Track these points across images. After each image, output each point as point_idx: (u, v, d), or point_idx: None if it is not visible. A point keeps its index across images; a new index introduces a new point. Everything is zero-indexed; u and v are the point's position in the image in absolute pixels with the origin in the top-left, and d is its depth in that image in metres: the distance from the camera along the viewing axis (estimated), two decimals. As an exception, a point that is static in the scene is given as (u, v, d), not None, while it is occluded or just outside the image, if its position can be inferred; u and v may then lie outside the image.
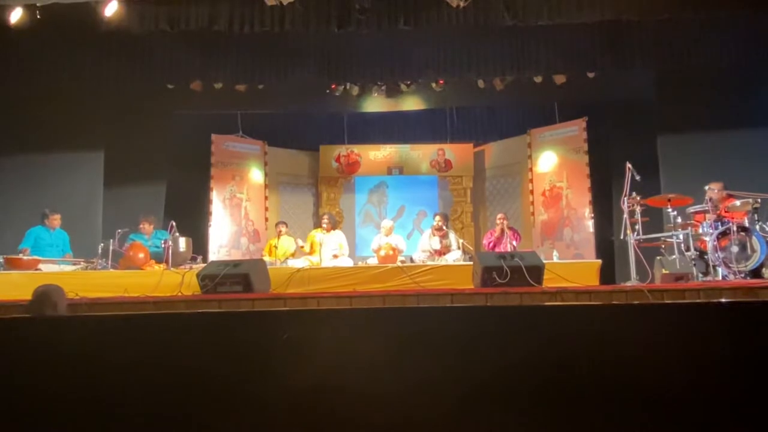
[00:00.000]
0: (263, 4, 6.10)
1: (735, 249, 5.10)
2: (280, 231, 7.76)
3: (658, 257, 5.71)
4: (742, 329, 1.47)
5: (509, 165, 9.58)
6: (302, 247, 7.52)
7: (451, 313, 1.69)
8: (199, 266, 5.89)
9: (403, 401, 1.50)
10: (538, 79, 8.03)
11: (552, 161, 8.91)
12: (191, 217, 8.21)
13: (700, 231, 5.45)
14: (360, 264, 6.87)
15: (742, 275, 5.05)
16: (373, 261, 6.99)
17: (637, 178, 5.59)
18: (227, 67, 7.38)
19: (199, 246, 7.70)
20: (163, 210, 7.91)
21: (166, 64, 7.27)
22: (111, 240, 6.27)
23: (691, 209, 5.69)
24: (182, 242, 6.47)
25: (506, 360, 1.51)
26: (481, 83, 8.41)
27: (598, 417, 1.46)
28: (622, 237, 5.69)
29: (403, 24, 6.28)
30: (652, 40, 6.92)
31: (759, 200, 5.36)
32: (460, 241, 7.44)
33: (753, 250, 5.09)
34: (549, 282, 4.98)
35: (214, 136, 8.89)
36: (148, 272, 6.03)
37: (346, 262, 7.12)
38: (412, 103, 9.09)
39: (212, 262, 6.35)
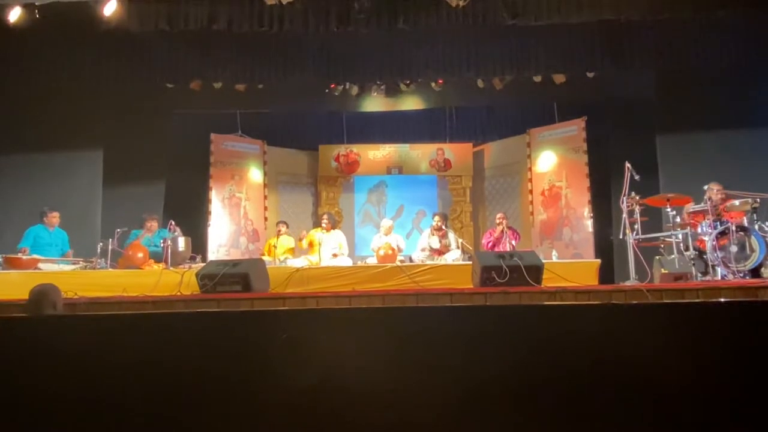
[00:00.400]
0: (263, 4, 6.09)
1: (734, 249, 5.10)
2: (280, 231, 7.77)
3: (657, 257, 5.71)
4: (741, 329, 1.48)
5: (508, 165, 9.58)
6: (300, 241, 7.53)
7: (451, 313, 1.69)
8: (198, 266, 5.88)
9: (402, 401, 1.50)
10: (537, 79, 8.03)
11: (551, 161, 8.92)
12: (190, 217, 8.21)
13: (699, 231, 5.46)
14: (359, 263, 6.87)
15: (741, 275, 5.05)
16: (372, 260, 6.99)
17: (636, 177, 5.60)
18: (227, 66, 7.37)
19: (198, 245, 7.70)
20: (162, 209, 7.91)
21: (166, 63, 7.27)
22: (110, 239, 6.26)
23: (690, 209, 5.69)
24: (181, 242, 6.47)
25: (505, 359, 1.51)
26: (480, 83, 8.42)
27: (597, 416, 1.46)
28: (621, 237, 5.71)
29: (402, 23, 6.28)
30: (652, 40, 6.93)
31: (758, 200, 5.36)
32: (460, 240, 7.44)
33: (752, 250, 5.10)
34: (548, 281, 4.98)
35: (213, 136, 8.89)
36: (147, 272, 6.02)
37: (346, 261, 7.12)
38: (411, 103, 9.09)
39: (211, 261, 6.35)
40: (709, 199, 5.47)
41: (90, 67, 7.13)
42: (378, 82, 8.58)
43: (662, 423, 1.44)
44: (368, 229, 9.54)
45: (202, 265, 5.82)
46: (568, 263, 6.48)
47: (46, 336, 1.66)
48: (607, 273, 6.86)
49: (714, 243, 5.16)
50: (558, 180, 8.81)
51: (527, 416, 1.48)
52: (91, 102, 7.57)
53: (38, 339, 1.65)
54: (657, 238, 5.83)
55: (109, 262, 6.22)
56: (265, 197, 9.35)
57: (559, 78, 8.04)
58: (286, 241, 7.69)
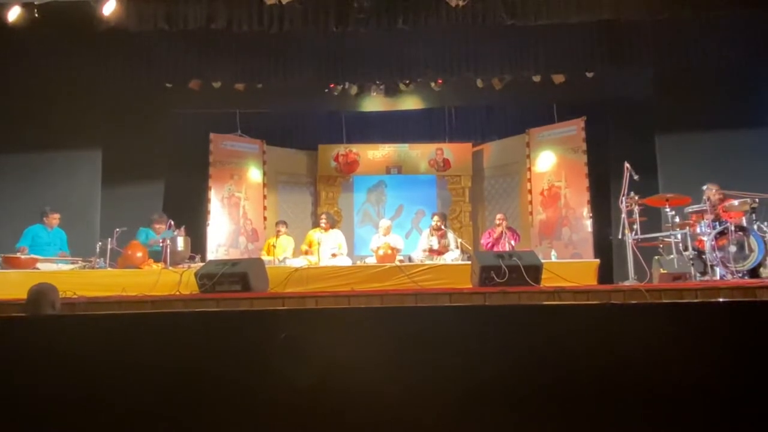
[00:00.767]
0: (262, 3, 6.09)
1: (733, 249, 5.11)
2: (279, 230, 7.76)
3: (656, 257, 5.72)
4: (739, 329, 1.48)
5: (508, 164, 9.58)
6: (304, 253, 7.52)
7: (450, 313, 1.69)
8: (198, 265, 5.88)
9: (401, 400, 1.50)
10: (536, 79, 8.04)
11: (550, 161, 8.92)
12: (189, 216, 8.18)
13: (698, 231, 5.46)
14: (358, 263, 6.86)
15: (740, 275, 5.06)
16: (371, 260, 6.99)
17: (636, 177, 5.60)
18: (226, 66, 7.37)
19: (198, 245, 7.69)
20: (161, 209, 7.90)
21: (165, 62, 7.27)
22: (109, 239, 6.26)
23: (689, 209, 5.70)
24: (180, 241, 6.47)
25: (504, 359, 1.51)
26: (479, 83, 8.42)
27: (596, 416, 1.46)
28: (620, 236, 5.71)
29: (402, 23, 6.28)
30: (651, 40, 6.93)
31: (757, 200, 5.37)
32: (459, 240, 7.44)
33: (751, 250, 5.11)
34: (547, 281, 4.98)
35: (212, 135, 8.88)
36: (146, 271, 6.02)
37: (345, 261, 7.12)
38: (410, 103, 9.09)
39: (210, 261, 6.35)
40: (708, 199, 5.48)
41: (89, 66, 7.13)
42: (377, 82, 8.58)
43: (661, 423, 1.44)
44: (367, 228, 9.53)
45: (201, 264, 5.81)
46: (567, 263, 6.49)
47: (44, 336, 1.66)
48: (606, 273, 6.86)
49: (713, 243, 5.17)
50: (557, 180, 8.81)
51: (526, 416, 1.48)
52: (90, 101, 7.56)
53: (37, 339, 1.65)
54: (656, 238, 5.84)
55: (108, 261, 6.21)
56: (265, 197, 9.34)
57: (559, 78, 8.04)
58: (285, 242, 7.69)
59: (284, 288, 5.53)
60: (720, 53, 6.85)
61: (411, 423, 1.49)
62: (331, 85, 8.64)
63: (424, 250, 7.32)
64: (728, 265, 5.07)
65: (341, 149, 9.87)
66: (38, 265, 5.95)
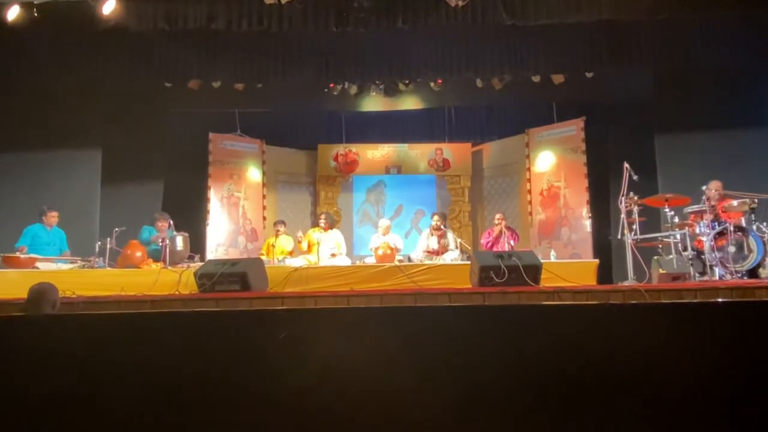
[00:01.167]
0: (261, 3, 6.09)
1: (732, 249, 5.11)
2: (278, 230, 7.75)
3: (656, 257, 5.72)
4: (738, 329, 1.48)
5: (507, 164, 9.59)
6: (300, 243, 7.52)
7: (449, 313, 1.69)
8: (197, 265, 5.88)
9: (400, 400, 1.50)
10: (536, 79, 8.04)
11: (550, 161, 8.92)
12: (189, 216, 8.20)
13: (697, 231, 5.47)
14: (358, 263, 6.86)
15: (739, 275, 5.06)
16: (370, 260, 6.99)
17: (635, 177, 5.60)
18: (225, 65, 7.37)
19: (197, 245, 7.68)
20: (160, 208, 7.89)
21: (164, 62, 7.26)
22: (108, 238, 6.26)
23: (689, 209, 5.70)
24: (180, 241, 6.47)
25: (504, 359, 1.51)
26: (479, 83, 8.42)
27: (595, 416, 1.46)
28: (619, 237, 5.71)
29: (401, 23, 6.28)
30: (651, 40, 6.93)
31: (756, 200, 5.37)
32: (458, 240, 7.44)
33: (750, 250, 5.11)
34: (546, 281, 4.98)
35: (211, 135, 8.88)
36: (146, 271, 6.02)
37: (344, 261, 7.12)
38: (410, 103, 9.09)
39: (210, 260, 6.34)
40: (708, 199, 5.48)
41: (88, 66, 7.12)
42: (377, 82, 8.58)
43: (661, 423, 1.44)
44: (367, 228, 9.53)
45: (201, 264, 5.81)
46: (567, 263, 6.49)
47: (43, 335, 1.66)
48: (605, 273, 6.86)
49: (712, 243, 5.17)
50: (556, 180, 8.82)
51: (525, 416, 1.48)
52: (90, 101, 7.55)
53: (36, 338, 1.65)
54: (655, 239, 5.84)
55: (107, 261, 6.21)
56: (264, 197, 9.34)
57: (558, 78, 8.04)
58: (284, 241, 7.68)
59: (283, 288, 5.53)
60: (720, 53, 6.85)
61: (411, 423, 1.49)
62: (331, 85, 8.64)
63: (424, 250, 7.32)
64: (727, 265, 5.08)
65: (341, 149, 9.87)
66: (37, 264, 5.95)
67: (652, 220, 5.99)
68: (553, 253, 7.04)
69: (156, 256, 6.41)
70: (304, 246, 7.49)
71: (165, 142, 8.37)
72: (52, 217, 6.52)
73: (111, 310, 4.36)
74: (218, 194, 8.84)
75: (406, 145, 9.95)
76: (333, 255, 7.25)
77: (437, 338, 1.55)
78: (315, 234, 7.44)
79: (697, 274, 5.33)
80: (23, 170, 7.34)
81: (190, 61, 7.29)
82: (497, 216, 7.55)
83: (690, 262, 5.33)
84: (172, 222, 6.66)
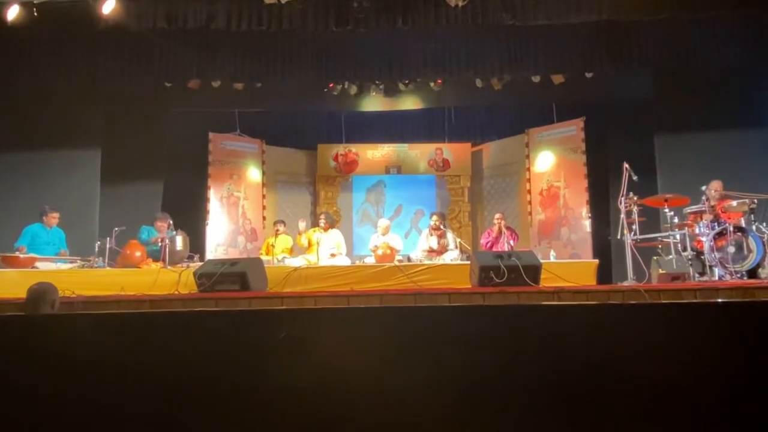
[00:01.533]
0: (261, 3, 6.09)
1: (731, 249, 5.11)
2: (278, 230, 7.75)
3: (655, 257, 5.72)
4: (738, 329, 1.48)
5: (507, 164, 9.59)
6: (300, 235, 7.52)
7: (449, 313, 1.69)
8: (196, 265, 5.87)
9: (400, 400, 1.50)
10: (536, 79, 8.04)
11: (549, 161, 8.92)
12: (188, 216, 8.20)
13: (697, 231, 5.47)
14: (357, 263, 6.86)
15: (739, 275, 5.06)
16: (370, 260, 6.99)
17: (635, 178, 5.60)
18: (225, 65, 7.37)
19: (197, 244, 7.69)
20: (160, 208, 7.89)
21: (164, 62, 7.26)
22: (108, 238, 6.25)
23: (688, 209, 5.70)
24: (179, 240, 6.47)
25: (503, 359, 1.51)
26: (479, 83, 8.42)
27: (594, 416, 1.46)
28: (619, 237, 5.71)
29: (401, 23, 6.28)
30: (651, 40, 6.93)
31: (755, 201, 5.38)
32: (458, 240, 7.44)
33: (749, 251, 5.11)
34: (546, 281, 4.98)
35: (211, 135, 8.88)
36: (145, 270, 6.02)
37: (344, 261, 7.12)
38: (410, 103, 9.09)
39: (209, 260, 6.34)
40: (707, 199, 5.48)
41: (88, 65, 7.12)
42: (377, 82, 8.58)
43: (660, 423, 1.44)
44: (366, 228, 9.53)
45: (200, 264, 5.81)
46: (566, 263, 6.49)
47: (42, 335, 1.66)
48: (605, 273, 6.86)
49: (712, 243, 5.17)
50: (556, 180, 8.82)
51: (524, 416, 1.48)
52: (89, 101, 7.56)
53: (35, 338, 1.65)
54: (655, 239, 5.84)
55: (106, 260, 6.21)
56: (264, 196, 9.35)
57: (558, 78, 8.05)
58: (284, 241, 7.69)
59: (283, 288, 5.53)
60: (720, 53, 6.85)
61: (410, 423, 1.49)
62: (331, 85, 8.64)
63: (423, 250, 7.32)
64: (727, 265, 5.08)
65: (340, 149, 9.87)
66: (37, 264, 5.95)
67: (651, 220, 5.99)
68: (552, 253, 7.04)
69: (155, 255, 6.41)
70: (304, 241, 7.50)
71: (165, 141, 8.37)
72: (53, 217, 6.51)
73: (110, 310, 4.36)
74: (218, 194, 8.84)
75: (405, 145, 9.96)
76: (333, 255, 7.25)
77: (437, 338, 1.55)
78: (315, 234, 7.44)
79: (696, 275, 5.33)
80: (23, 170, 7.34)
81: (190, 61, 7.29)
82: (496, 216, 7.55)
83: (689, 262, 5.33)
84: (171, 222, 6.65)
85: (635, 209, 5.55)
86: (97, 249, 6.23)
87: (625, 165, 5.66)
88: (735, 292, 4.41)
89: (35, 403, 1.56)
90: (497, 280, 4.71)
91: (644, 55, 7.01)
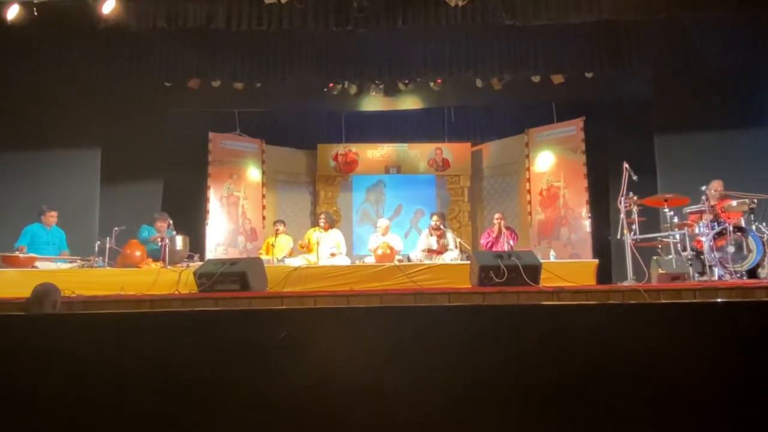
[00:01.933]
0: (261, 2, 6.09)
1: (731, 249, 5.12)
2: (278, 230, 7.75)
3: (655, 257, 5.72)
4: (738, 329, 1.48)
5: (507, 164, 9.59)
6: (301, 247, 7.52)
7: (449, 313, 1.69)
8: (196, 264, 5.88)
9: (400, 400, 1.50)
10: (536, 79, 8.04)
11: (549, 161, 8.92)
12: (188, 215, 8.20)
13: (697, 231, 5.47)
14: (357, 263, 6.86)
15: (738, 275, 5.07)
16: (370, 260, 6.99)
17: (634, 178, 5.61)
18: (225, 65, 7.37)
19: (196, 244, 7.69)
20: (160, 208, 7.89)
21: (164, 61, 7.26)
22: (108, 238, 6.25)
23: (688, 209, 5.71)
24: (179, 240, 6.47)
25: (503, 359, 1.51)
26: (479, 82, 8.42)
27: (594, 416, 1.46)
28: (618, 237, 5.71)
29: (401, 23, 6.28)
30: (650, 40, 6.93)
31: (755, 200, 5.38)
32: (458, 240, 7.44)
33: (749, 251, 5.12)
34: (546, 281, 4.98)
35: (211, 134, 8.88)
36: (145, 270, 6.02)
37: (344, 261, 7.12)
38: (410, 102, 9.09)
39: (209, 260, 6.34)
40: (707, 199, 5.48)
41: (88, 65, 7.13)
42: (377, 82, 8.58)
43: (660, 423, 1.44)
44: (366, 228, 9.53)
45: (200, 263, 5.81)
46: (566, 263, 6.49)
47: (42, 334, 1.66)
48: (604, 273, 6.86)
49: (711, 243, 5.17)
50: (556, 180, 8.82)
51: (524, 416, 1.48)
52: (89, 100, 7.56)
53: (35, 337, 1.65)
54: (654, 239, 5.84)
55: (106, 260, 6.21)
56: (264, 196, 9.34)
57: (558, 78, 8.05)
58: (284, 241, 7.69)
59: (283, 287, 5.53)
60: (719, 53, 6.86)
61: (410, 422, 1.49)
62: (331, 85, 8.65)
63: (423, 250, 7.32)
64: (726, 265, 5.08)
65: (340, 149, 9.87)
66: (37, 263, 5.95)
67: (651, 220, 5.99)
68: (552, 253, 7.04)
69: (155, 255, 6.41)
70: (304, 241, 7.51)
71: (164, 141, 8.36)
72: (51, 216, 6.52)
73: (110, 310, 4.36)
74: (218, 194, 8.84)
75: (405, 144, 9.96)
76: (332, 255, 7.25)
77: (437, 338, 1.55)
78: (315, 234, 7.44)
79: (696, 274, 5.33)
80: (23, 170, 7.34)
81: (190, 61, 7.29)
82: (496, 215, 7.56)
83: (689, 262, 5.33)
84: (171, 222, 6.66)
85: (635, 209, 5.55)
86: (97, 249, 6.23)
87: (625, 165, 5.66)
88: (735, 292, 4.42)
89: (35, 403, 1.56)
90: (497, 280, 4.71)
91: (644, 55, 7.01)
